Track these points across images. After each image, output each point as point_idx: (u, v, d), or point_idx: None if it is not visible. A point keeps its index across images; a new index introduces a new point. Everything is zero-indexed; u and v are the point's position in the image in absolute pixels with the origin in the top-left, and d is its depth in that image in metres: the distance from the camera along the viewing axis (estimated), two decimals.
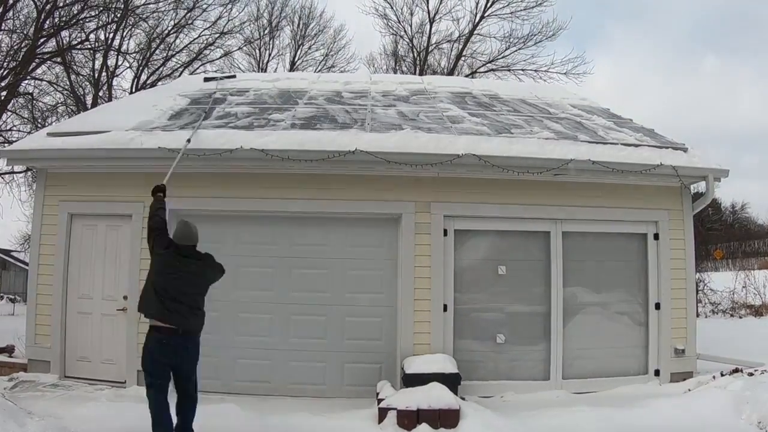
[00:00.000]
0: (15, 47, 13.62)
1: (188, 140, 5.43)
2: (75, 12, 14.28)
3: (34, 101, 14.47)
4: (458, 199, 5.75)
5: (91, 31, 15.30)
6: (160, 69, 17.59)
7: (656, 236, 5.91)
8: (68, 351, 5.81)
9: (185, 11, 17.13)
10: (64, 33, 14.64)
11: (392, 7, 19.99)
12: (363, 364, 5.66)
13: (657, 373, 5.77)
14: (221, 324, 5.74)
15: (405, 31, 19.89)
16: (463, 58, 19.05)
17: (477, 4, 18.71)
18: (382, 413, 4.54)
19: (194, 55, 18.03)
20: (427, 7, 19.32)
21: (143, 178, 5.80)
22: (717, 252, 14.55)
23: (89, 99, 15.75)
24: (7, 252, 22.40)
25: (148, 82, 17.00)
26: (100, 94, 15.95)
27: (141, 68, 17.16)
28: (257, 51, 20.78)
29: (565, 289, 5.78)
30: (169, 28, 17.18)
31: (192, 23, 17.61)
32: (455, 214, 5.75)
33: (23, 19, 14.06)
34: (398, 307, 5.66)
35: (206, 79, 8.40)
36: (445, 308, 5.64)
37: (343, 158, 5.39)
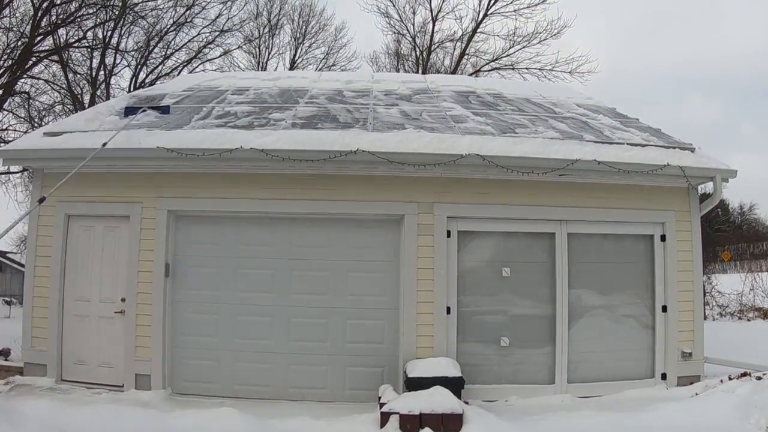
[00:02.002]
0: (11, 45, 13.53)
1: (104, 144, 5.27)
2: (72, 9, 14.19)
3: (31, 100, 14.38)
4: (462, 199, 5.67)
5: (89, 29, 15.22)
6: (159, 67, 17.52)
7: (663, 238, 5.85)
8: (65, 354, 5.73)
9: (184, 9, 17.05)
10: (62, 31, 14.58)
11: (395, 6, 19.90)
12: (365, 368, 5.59)
13: (664, 376, 5.71)
14: (220, 327, 5.68)
15: (408, 30, 19.82)
16: (466, 57, 18.97)
17: (480, 2, 18.63)
18: (384, 418, 4.48)
19: (194, 54, 17.96)
20: (430, 5, 19.25)
21: (142, 178, 5.74)
22: (725, 254, 14.47)
23: (87, 98, 15.64)
24: (3, 253, 22.27)
25: (147, 80, 16.91)
26: (98, 93, 15.86)
27: (139, 67, 17.09)
28: (257, 49, 20.70)
29: (570, 292, 5.70)
30: (168, 26, 17.10)
31: (191, 21, 17.54)
32: (458, 215, 5.67)
33: (20, 17, 13.97)
34: (401, 310, 5.58)
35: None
36: (448, 311, 5.57)
37: (344, 158, 5.32)
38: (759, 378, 5.06)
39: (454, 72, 18.03)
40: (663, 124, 6.72)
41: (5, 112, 14.09)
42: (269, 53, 21.07)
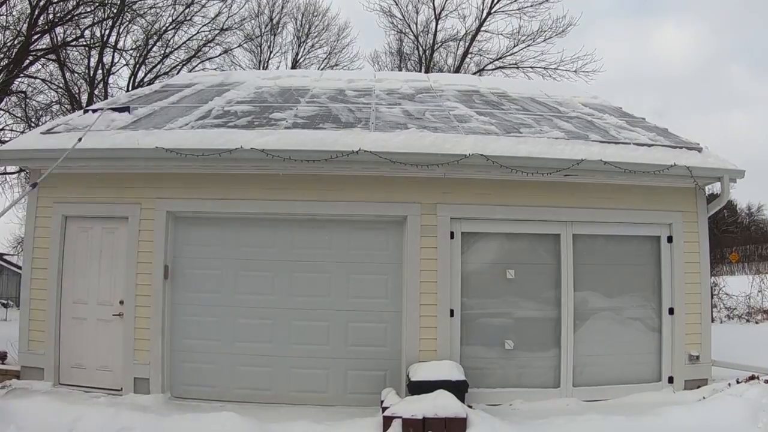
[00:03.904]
0: (8, 44, 13.41)
1: (79, 139, 5.20)
2: (70, 8, 14.08)
3: (28, 100, 14.28)
4: (465, 200, 5.60)
5: (87, 28, 15.13)
6: (158, 66, 17.42)
7: (670, 239, 5.78)
8: (63, 358, 5.65)
9: (183, 7, 16.94)
10: (59, 29, 14.47)
11: (397, 5, 19.78)
12: (367, 371, 5.52)
13: (671, 380, 5.64)
14: (220, 330, 5.60)
15: (410, 29, 19.74)
16: (470, 56, 18.90)
17: (483, 0, 18.51)
18: (387, 422, 4.42)
19: (193, 53, 17.84)
20: (433, 4, 19.16)
21: (140, 179, 5.66)
22: (732, 255, 14.40)
23: (84, 97, 15.54)
24: None
25: (145, 80, 16.80)
26: (96, 92, 15.75)
27: (138, 66, 16.99)
28: (258, 48, 20.59)
29: (576, 294, 5.63)
30: (167, 25, 16.99)
31: (191, 19, 17.42)
32: (462, 216, 5.60)
33: (16, 15, 13.86)
34: (403, 312, 5.51)
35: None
36: (451, 313, 5.50)
37: (346, 159, 5.24)
38: (767, 381, 5.01)
39: (457, 71, 17.94)
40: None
41: (2, 112, 14.00)
42: (271, 52, 21.00)
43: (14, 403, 4.76)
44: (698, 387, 5.48)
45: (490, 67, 18.56)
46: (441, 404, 4.42)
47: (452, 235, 5.58)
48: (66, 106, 14.93)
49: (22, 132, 12.92)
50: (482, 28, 18.58)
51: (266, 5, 20.37)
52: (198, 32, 17.84)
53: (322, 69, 19.49)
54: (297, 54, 21.18)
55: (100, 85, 16.19)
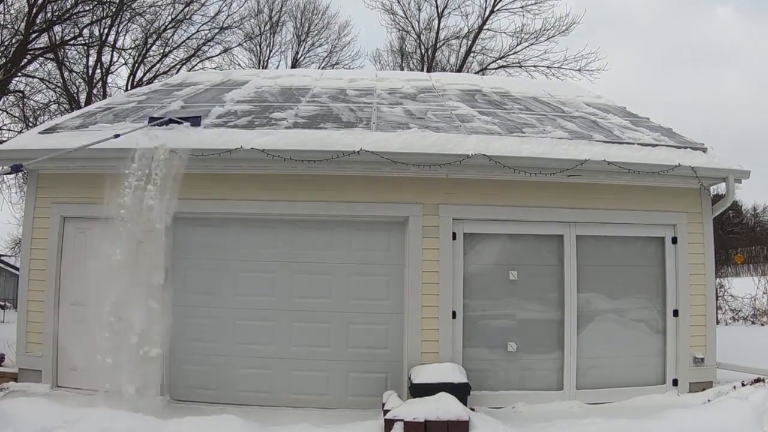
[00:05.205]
0: (5, 43, 13.35)
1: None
2: (68, 6, 14.03)
3: (26, 99, 14.21)
4: (468, 201, 5.57)
5: (85, 26, 15.07)
6: (157, 66, 17.36)
7: (674, 240, 5.75)
8: (61, 360, 5.59)
9: (183, 5, 16.87)
10: (57, 28, 14.41)
11: (399, 2, 19.69)
12: (368, 374, 5.48)
13: (675, 382, 5.60)
14: (220, 331, 5.56)
15: (412, 27, 19.65)
16: (472, 55, 18.85)
17: None
18: (389, 425, 4.40)
19: (192, 52, 17.79)
20: (436, 2, 19.04)
21: None
22: (738, 256, 14.37)
23: (83, 97, 15.48)
24: None
25: (144, 79, 16.74)
26: (95, 91, 15.69)
27: (137, 65, 16.93)
28: (258, 47, 20.53)
29: (579, 296, 5.60)
30: (167, 23, 16.92)
31: (190, 18, 17.36)
32: (465, 216, 5.56)
33: (14, 14, 13.80)
34: (405, 314, 5.47)
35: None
36: (453, 315, 5.46)
37: (347, 159, 5.20)
38: None
39: (459, 70, 17.88)
40: None
41: None
42: (270, 51, 20.94)
43: (12, 405, 4.70)
44: (703, 390, 5.44)
45: (492, 66, 18.52)
46: (443, 407, 4.40)
47: (454, 236, 5.54)
48: (64, 105, 14.88)
49: (20, 132, 12.86)
50: (485, 26, 18.55)
51: (266, 4, 20.30)
52: (197, 31, 17.80)
53: (322, 68, 19.41)
54: (297, 53, 21.14)
55: (99, 85, 16.14)
